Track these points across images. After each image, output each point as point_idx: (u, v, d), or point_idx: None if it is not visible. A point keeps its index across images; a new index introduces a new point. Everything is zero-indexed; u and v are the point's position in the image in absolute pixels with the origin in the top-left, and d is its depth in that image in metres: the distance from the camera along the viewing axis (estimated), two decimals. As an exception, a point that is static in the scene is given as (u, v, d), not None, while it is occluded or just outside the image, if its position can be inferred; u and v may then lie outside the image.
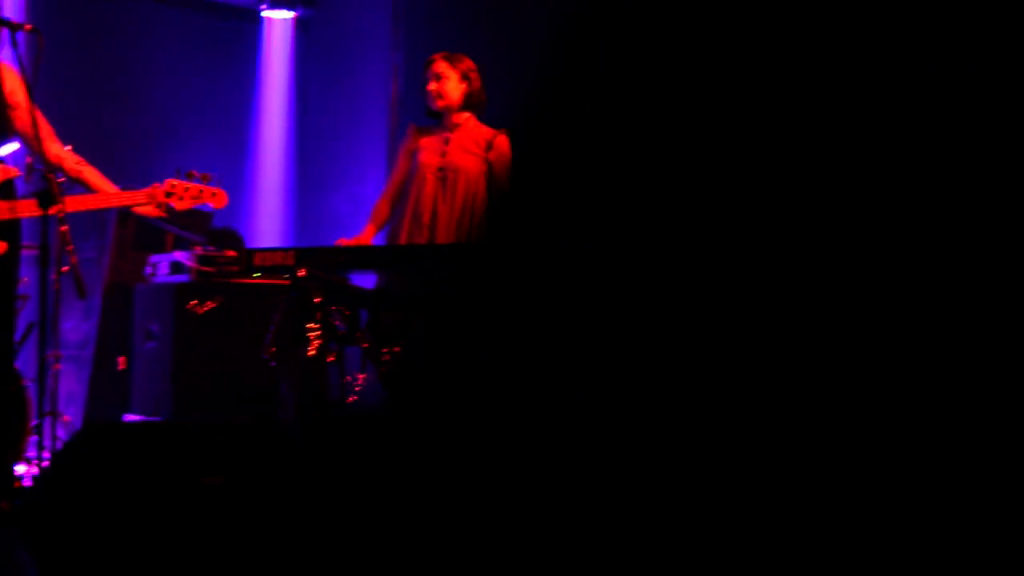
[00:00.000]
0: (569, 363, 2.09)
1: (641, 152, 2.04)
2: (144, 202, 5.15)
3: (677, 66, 2.01)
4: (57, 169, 4.85)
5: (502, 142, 6.03)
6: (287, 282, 5.56)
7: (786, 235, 1.95)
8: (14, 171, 5.01)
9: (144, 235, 7.55)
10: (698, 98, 1.98)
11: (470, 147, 6.02)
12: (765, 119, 1.99)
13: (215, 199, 5.25)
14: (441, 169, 5.98)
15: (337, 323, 5.49)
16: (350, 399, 5.76)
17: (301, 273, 5.45)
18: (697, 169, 1.99)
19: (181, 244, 7.41)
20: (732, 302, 1.95)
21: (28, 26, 4.89)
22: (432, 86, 6.03)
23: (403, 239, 5.98)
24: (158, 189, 5.14)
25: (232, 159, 9.75)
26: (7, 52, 5.06)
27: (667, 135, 2.02)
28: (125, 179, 6.05)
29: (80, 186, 5.18)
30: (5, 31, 4.97)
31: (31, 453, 5.92)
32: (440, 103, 6.03)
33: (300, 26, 10.11)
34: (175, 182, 5.16)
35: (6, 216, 4.89)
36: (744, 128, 2.01)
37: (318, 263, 5.49)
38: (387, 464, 4.40)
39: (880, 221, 1.86)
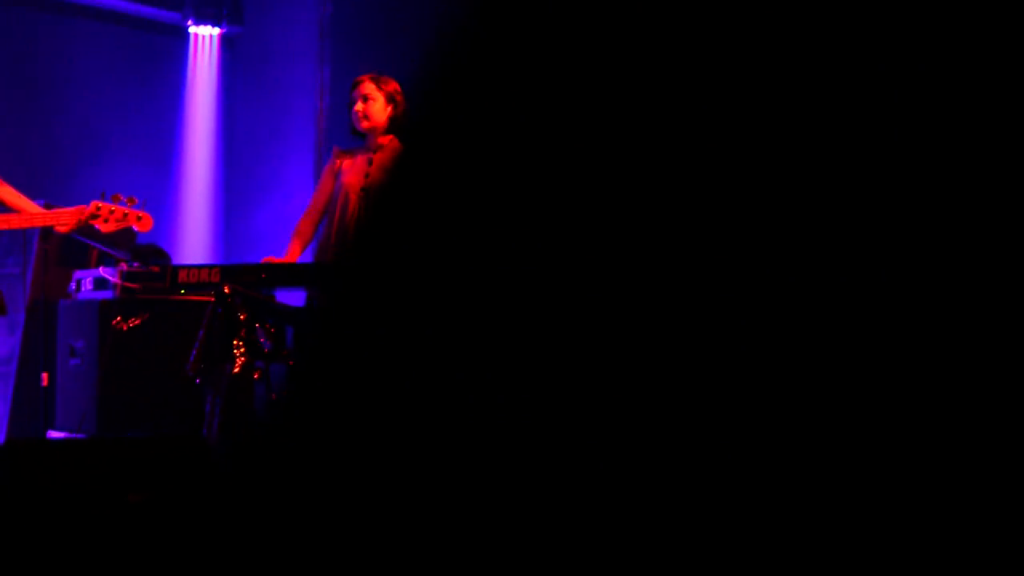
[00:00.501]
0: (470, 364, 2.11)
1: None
2: (68, 223, 5.14)
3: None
4: None
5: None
6: (212, 299, 5.56)
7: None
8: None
9: (68, 250, 7.51)
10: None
11: (385, 163, 6.08)
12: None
13: (140, 223, 5.24)
14: (364, 189, 6.03)
15: (262, 340, 5.50)
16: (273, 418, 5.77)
17: (226, 290, 5.46)
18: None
19: (105, 260, 7.38)
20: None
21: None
22: (358, 107, 6.08)
23: (330, 258, 6.02)
24: (83, 211, 5.12)
25: (157, 175, 9.71)
26: None
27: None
28: (47, 195, 6.04)
29: None
30: None
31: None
32: (365, 124, 6.07)
33: (226, 42, 10.10)
34: (100, 204, 5.15)
35: (-72, 232, 4.87)
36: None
37: (243, 280, 5.51)
38: (306, 479, 4.42)
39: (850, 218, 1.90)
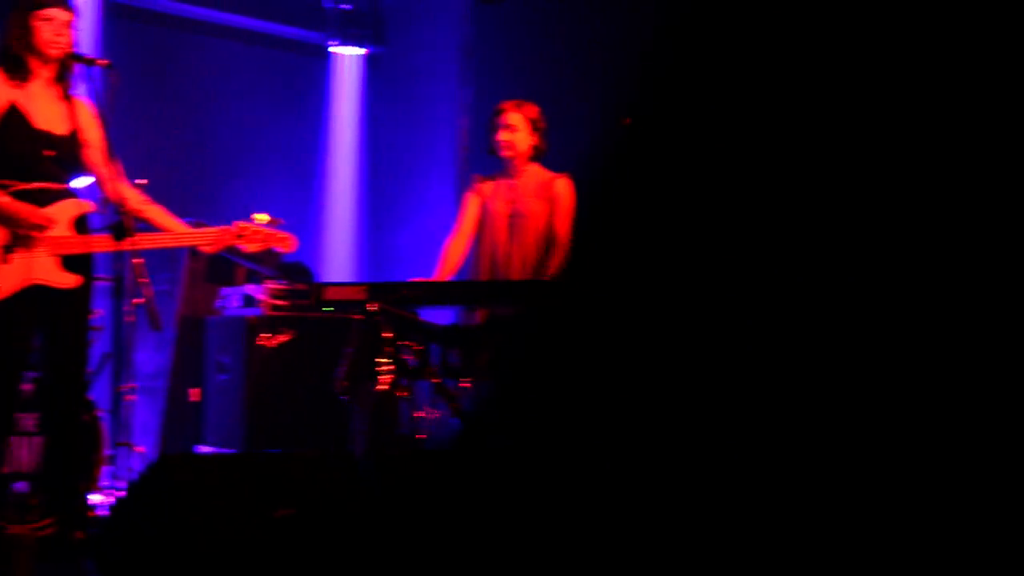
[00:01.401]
0: (652, 403, 2.08)
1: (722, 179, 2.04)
2: (213, 244, 5.19)
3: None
4: (120, 207, 4.89)
5: (562, 185, 6.10)
6: (358, 317, 5.60)
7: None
8: (89, 205, 5.07)
9: (216, 268, 7.63)
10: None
11: (536, 192, 6.09)
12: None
13: (283, 245, 5.27)
14: (511, 216, 6.05)
15: (408, 358, 5.52)
16: (420, 435, 5.79)
17: (373, 308, 5.48)
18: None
19: (252, 277, 7.48)
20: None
21: (104, 61, 4.96)
22: (502, 136, 6.09)
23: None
24: (228, 232, 5.17)
25: (302, 193, 9.83)
26: (82, 87, 5.12)
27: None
28: (195, 212, 6.13)
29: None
30: (81, 66, 5.04)
31: (105, 483, 5.99)
32: (508, 153, 6.10)
33: (369, 62, 10.19)
34: (244, 226, 5.19)
35: (81, 250, 4.95)
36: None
37: (389, 298, 5.53)
38: (458, 501, 4.41)
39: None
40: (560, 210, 6.09)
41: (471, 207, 6.22)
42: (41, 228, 4.85)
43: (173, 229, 5.18)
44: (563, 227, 6.08)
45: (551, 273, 5.97)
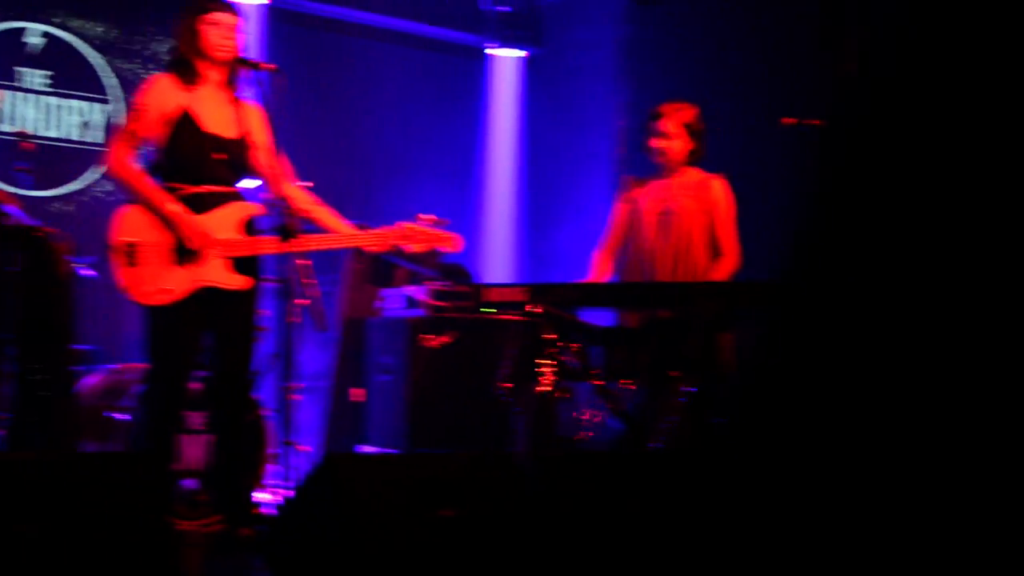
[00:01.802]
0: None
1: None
2: (379, 245, 5.23)
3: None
4: (286, 209, 4.95)
5: (718, 186, 6.04)
6: (519, 318, 5.60)
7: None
8: (257, 208, 5.15)
9: (377, 269, 7.70)
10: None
11: (688, 192, 6.03)
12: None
13: (448, 245, 5.29)
14: (661, 213, 6.00)
15: (568, 359, 5.51)
16: (581, 435, 5.78)
17: (533, 309, 5.48)
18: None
19: (413, 278, 7.54)
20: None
21: (270, 65, 5.03)
22: (658, 143, 6.04)
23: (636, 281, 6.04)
24: (392, 232, 5.21)
25: (461, 194, 9.90)
26: (249, 91, 5.20)
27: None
28: (356, 213, 6.19)
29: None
30: (248, 70, 5.12)
31: (271, 481, 6.09)
32: (663, 160, 6.05)
33: (526, 63, 10.22)
34: (409, 226, 5.22)
35: (249, 252, 5.03)
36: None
37: (550, 299, 5.53)
38: (618, 503, 4.40)
39: None
40: (721, 213, 6.02)
41: (619, 209, 6.20)
42: (197, 246, 4.93)
43: (339, 230, 5.23)
44: (727, 231, 6.01)
45: (720, 278, 5.91)
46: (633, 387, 5.54)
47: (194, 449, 5.85)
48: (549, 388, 5.38)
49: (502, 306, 5.55)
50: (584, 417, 5.79)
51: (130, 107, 5.16)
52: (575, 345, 5.54)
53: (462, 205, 9.89)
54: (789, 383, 2.27)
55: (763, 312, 5.43)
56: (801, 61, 8.02)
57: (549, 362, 5.41)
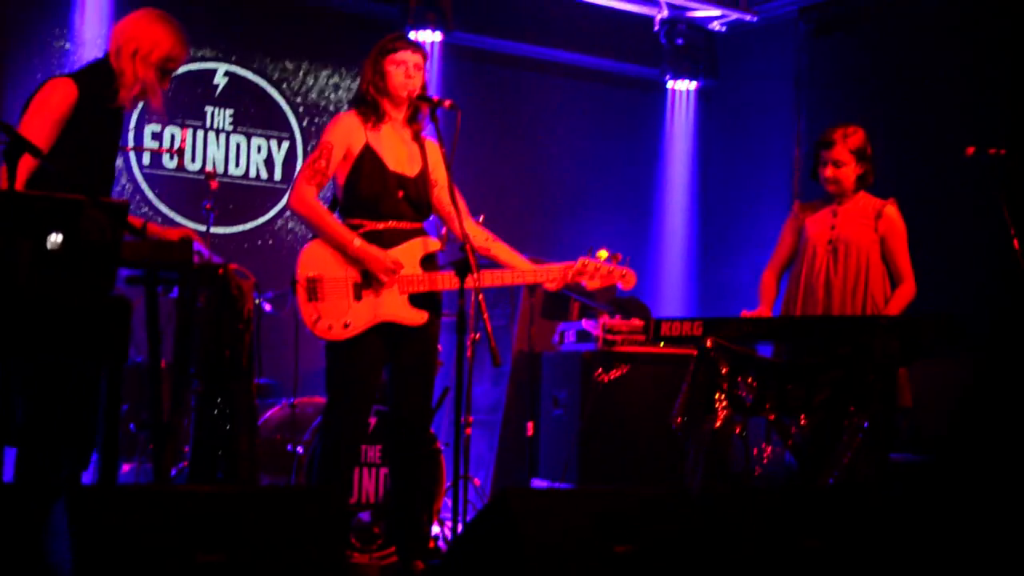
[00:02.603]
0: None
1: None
2: (556, 281, 5.24)
3: None
4: (465, 245, 4.98)
5: (891, 212, 5.93)
6: (693, 352, 5.56)
7: None
8: (436, 244, 5.20)
9: (551, 303, 7.72)
10: None
11: (859, 219, 5.94)
12: None
13: (624, 280, 5.27)
14: (831, 242, 5.91)
15: (743, 394, 5.45)
16: (756, 471, 5.71)
17: (708, 343, 5.45)
18: None
19: (587, 312, 7.54)
20: None
21: (448, 102, 5.08)
22: (828, 172, 5.96)
23: (797, 312, 5.94)
24: (569, 268, 5.20)
25: (635, 227, 9.88)
26: (429, 127, 5.26)
27: None
28: (530, 247, 6.22)
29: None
30: (428, 107, 5.18)
31: (444, 514, 6.13)
32: (834, 188, 5.96)
33: (701, 96, 10.18)
34: (586, 262, 5.21)
35: (428, 288, 5.08)
36: None
37: (724, 333, 5.48)
38: (796, 539, 4.33)
39: None
40: (895, 240, 5.92)
41: (787, 235, 6.13)
42: (389, 274, 5.01)
43: (516, 266, 5.26)
44: (903, 258, 5.90)
45: (898, 308, 5.80)
46: (808, 422, 5.46)
47: (370, 482, 5.92)
48: (723, 423, 5.34)
49: (676, 340, 5.52)
50: (759, 452, 5.72)
51: (315, 144, 5.26)
52: (750, 379, 5.48)
53: (638, 238, 9.86)
54: (972, 418, 2.22)
55: (941, 346, 5.32)
56: (982, 89, 7.87)
57: (723, 397, 5.36)
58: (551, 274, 5.23)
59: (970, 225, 7.60)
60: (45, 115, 4.70)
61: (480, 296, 4.83)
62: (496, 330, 6.82)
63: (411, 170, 5.15)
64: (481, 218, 5.54)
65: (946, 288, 6.86)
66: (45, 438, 4.59)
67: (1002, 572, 5.04)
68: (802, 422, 5.49)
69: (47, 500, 3.62)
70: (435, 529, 5.91)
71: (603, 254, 5.24)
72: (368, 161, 5.08)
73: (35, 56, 7.92)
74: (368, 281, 5.01)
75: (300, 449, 5.98)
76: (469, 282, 4.88)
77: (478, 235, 5.25)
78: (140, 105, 5.18)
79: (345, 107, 5.27)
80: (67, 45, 8.01)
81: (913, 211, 6.10)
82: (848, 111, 8.25)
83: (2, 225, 4.01)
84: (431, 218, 5.31)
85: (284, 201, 8.55)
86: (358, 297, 5.00)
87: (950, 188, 7.74)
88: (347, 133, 5.12)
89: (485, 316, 4.82)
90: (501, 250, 5.27)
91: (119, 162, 5.96)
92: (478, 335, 6.73)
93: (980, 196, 6.25)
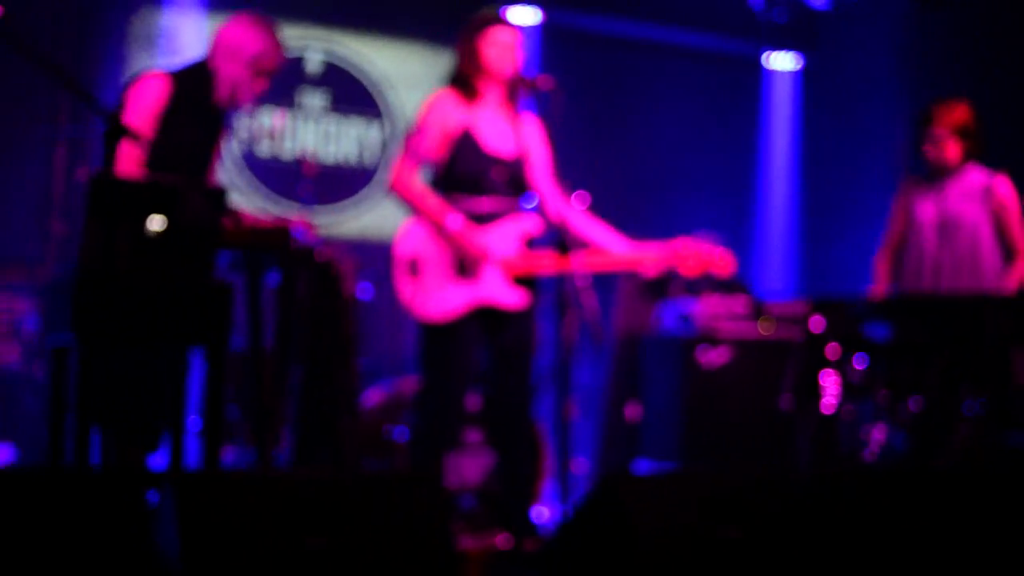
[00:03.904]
0: None
1: None
2: (653, 268, 5.18)
3: None
4: (563, 226, 4.93)
5: (1001, 184, 5.79)
6: (798, 333, 5.49)
7: None
8: (536, 225, 5.16)
9: (652, 284, 7.64)
10: None
11: (968, 194, 5.80)
12: None
13: (722, 265, 5.17)
14: (939, 219, 5.78)
15: (852, 375, 5.36)
16: (866, 454, 5.61)
17: (815, 324, 5.36)
18: None
19: (689, 293, 7.45)
20: None
21: (548, 82, 5.02)
22: (930, 148, 5.83)
23: (908, 291, 5.83)
24: (668, 252, 5.13)
25: (736, 207, 9.77)
26: (528, 107, 5.22)
27: None
28: (630, 228, 6.14)
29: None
30: (527, 87, 5.13)
31: (548, 498, 6.09)
32: (937, 164, 5.84)
33: (802, 73, 10.05)
34: (684, 243, 5.14)
35: (527, 269, 5.04)
36: None
37: (833, 313, 5.40)
38: (906, 522, 4.24)
39: None
40: (1009, 215, 5.79)
41: (897, 213, 6.02)
42: (480, 260, 4.97)
43: (615, 249, 5.20)
44: (1017, 233, 5.77)
45: (1013, 284, 5.67)
46: (919, 403, 5.35)
47: (473, 466, 5.90)
48: (832, 405, 5.25)
49: (781, 320, 5.45)
50: (869, 435, 5.62)
51: (412, 125, 5.24)
52: (858, 360, 5.39)
53: (740, 218, 9.76)
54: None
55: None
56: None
57: (832, 378, 5.28)
58: (648, 261, 5.16)
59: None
60: (142, 107, 4.88)
61: (580, 277, 4.78)
62: (599, 311, 6.77)
63: (508, 151, 5.11)
64: (585, 200, 5.47)
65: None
66: (121, 419, 4.67)
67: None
68: (913, 404, 5.39)
69: (138, 485, 3.64)
70: (541, 512, 5.88)
71: (703, 238, 5.17)
72: (465, 141, 5.05)
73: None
74: (466, 262, 4.98)
75: (401, 432, 5.96)
76: (569, 265, 4.82)
77: (576, 217, 5.19)
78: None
79: (440, 86, 5.23)
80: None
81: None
82: (956, 86, 8.07)
83: (101, 209, 4.05)
84: (532, 199, 5.26)
85: (381, 183, 8.55)
86: (457, 277, 4.97)
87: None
88: (442, 113, 5.09)
89: (585, 297, 4.77)
90: (599, 233, 5.22)
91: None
92: (581, 316, 6.68)
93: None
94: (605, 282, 7.81)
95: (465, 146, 5.04)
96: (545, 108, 4.99)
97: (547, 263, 4.99)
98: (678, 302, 7.39)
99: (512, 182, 5.10)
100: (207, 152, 5.11)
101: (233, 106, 5.13)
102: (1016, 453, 5.56)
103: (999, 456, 5.22)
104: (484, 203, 5.05)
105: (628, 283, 7.70)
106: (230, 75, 5.01)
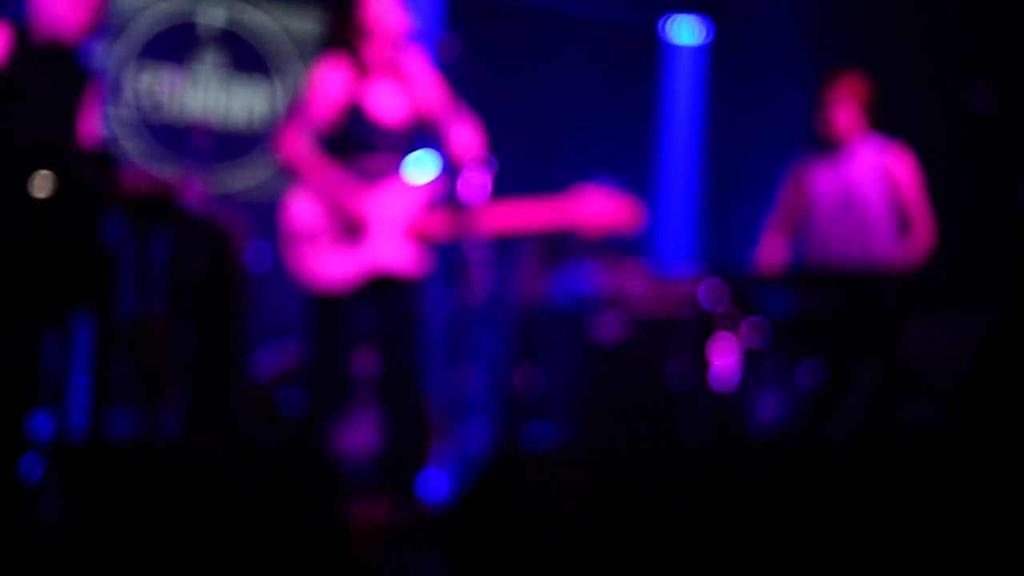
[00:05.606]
0: None
1: None
2: (552, 222, 5.15)
3: None
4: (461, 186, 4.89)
5: (899, 155, 5.80)
6: (698, 301, 5.51)
7: None
8: (428, 187, 5.11)
9: (551, 249, 7.63)
10: None
11: (866, 165, 5.81)
12: None
13: (627, 221, 5.14)
14: (839, 191, 5.78)
15: (749, 346, 5.40)
16: (761, 425, 5.65)
17: (715, 295, 5.38)
18: None
19: (589, 257, 7.45)
20: None
21: (444, 39, 4.98)
22: (827, 117, 5.81)
23: (806, 264, 5.86)
24: (568, 206, 5.10)
25: (639, 179, 9.76)
26: (423, 65, 5.12)
27: None
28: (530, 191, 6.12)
29: None
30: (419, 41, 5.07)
31: (441, 464, 6.06)
32: (833, 133, 5.80)
33: (708, 39, 10.05)
34: (586, 190, 5.11)
35: (419, 231, 5.00)
36: None
37: (731, 283, 5.42)
38: (800, 495, 4.27)
39: None
40: (905, 187, 5.78)
41: (789, 191, 6.00)
42: (363, 221, 4.90)
43: (510, 209, 5.17)
44: (915, 204, 5.76)
45: (910, 257, 5.67)
46: (813, 375, 5.39)
47: (361, 433, 5.85)
48: (727, 375, 5.27)
49: (679, 287, 5.46)
50: (763, 402, 5.65)
51: (299, 93, 5.17)
52: (755, 331, 5.42)
53: (641, 189, 9.77)
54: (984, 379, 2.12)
55: (949, 300, 5.24)
56: (1001, 27, 7.70)
57: (728, 349, 5.29)
58: (546, 214, 5.11)
59: (987, 172, 7.46)
60: None
61: (476, 241, 4.74)
62: (494, 277, 6.73)
63: (399, 112, 5.05)
64: (487, 158, 5.41)
65: (960, 239, 6.73)
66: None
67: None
68: (806, 376, 5.43)
69: (12, 454, 3.57)
70: (432, 479, 5.85)
71: (602, 188, 5.14)
72: (354, 112, 4.97)
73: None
74: (355, 228, 4.91)
75: (290, 398, 5.90)
76: (465, 225, 4.77)
77: (475, 177, 5.12)
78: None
79: (323, 48, 5.14)
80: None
81: (930, 156, 5.94)
82: (862, 55, 8.10)
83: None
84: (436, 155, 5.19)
85: (268, 149, 8.45)
86: (345, 244, 4.91)
87: (966, 132, 7.60)
88: (331, 83, 5.01)
89: (482, 261, 4.74)
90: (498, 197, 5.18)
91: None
92: (476, 281, 6.64)
93: (997, 140, 6.12)
94: (507, 247, 7.79)
95: (355, 117, 4.97)
96: (440, 64, 4.94)
97: (440, 226, 4.94)
98: (577, 268, 7.39)
99: (404, 142, 5.04)
100: (66, 104, 4.75)
101: (61, 40, 4.72)
102: (904, 426, 5.62)
103: (889, 428, 5.27)
104: (375, 161, 4.97)
105: (528, 247, 7.68)
106: (42, 4, 4.65)
